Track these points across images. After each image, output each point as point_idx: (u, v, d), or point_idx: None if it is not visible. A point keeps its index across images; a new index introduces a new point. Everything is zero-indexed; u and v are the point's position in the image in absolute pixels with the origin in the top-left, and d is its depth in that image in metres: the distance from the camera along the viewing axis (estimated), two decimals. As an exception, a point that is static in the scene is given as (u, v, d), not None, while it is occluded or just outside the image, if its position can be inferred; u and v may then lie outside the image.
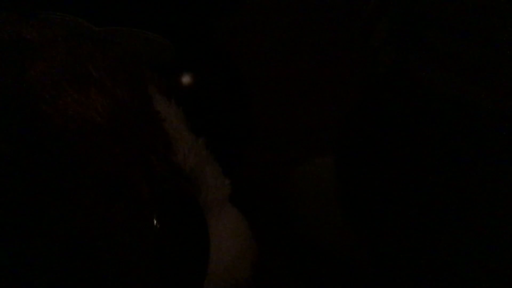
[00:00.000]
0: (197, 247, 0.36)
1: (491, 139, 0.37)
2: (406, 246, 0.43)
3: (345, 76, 0.72)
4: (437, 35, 0.38)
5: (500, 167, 0.37)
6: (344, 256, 0.53)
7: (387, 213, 0.43)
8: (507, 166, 0.37)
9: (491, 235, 0.38)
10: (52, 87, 0.31)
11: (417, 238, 0.42)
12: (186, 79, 0.53)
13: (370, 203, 0.45)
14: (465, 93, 0.37)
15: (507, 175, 0.37)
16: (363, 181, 0.46)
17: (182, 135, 0.37)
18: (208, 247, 0.36)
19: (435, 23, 0.38)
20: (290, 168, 0.60)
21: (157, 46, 0.38)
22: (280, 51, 0.75)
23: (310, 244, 0.55)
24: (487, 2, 0.36)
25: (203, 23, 0.54)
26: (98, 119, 0.31)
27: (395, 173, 0.42)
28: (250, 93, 0.58)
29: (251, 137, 0.59)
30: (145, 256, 0.31)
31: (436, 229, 0.40)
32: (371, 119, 0.44)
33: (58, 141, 0.30)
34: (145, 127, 0.33)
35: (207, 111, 0.52)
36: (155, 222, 0.32)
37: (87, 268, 0.30)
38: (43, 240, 0.29)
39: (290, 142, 0.66)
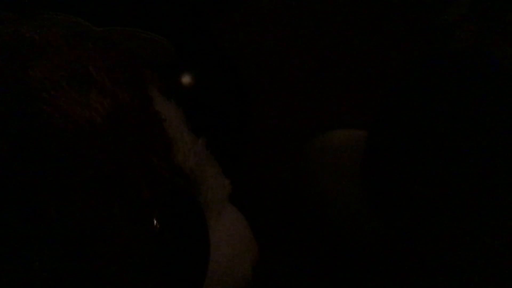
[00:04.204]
0: (197, 247, 0.36)
1: None
2: (433, 238, 0.41)
3: (346, 76, 0.72)
4: None
5: None
6: (358, 243, 0.51)
7: (417, 199, 0.41)
8: None
9: None
10: (52, 87, 0.31)
11: (446, 231, 0.40)
12: (186, 79, 0.53)
13: (401, 186, 0.42)
14: None
15: None
16: (398, 162, 0.42)
17: (182, 135, 0.37)
18: (208, 247, 0.36)
19: None
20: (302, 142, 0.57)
21: (157, 46, 0.38)
22: (280, 51, 0.75)
23: (321, 226, 0.53)
24: None
25: (203, 23, 0.54)
26: (98, 119, 0.31)
27: (442, 161, 0.39)
28: (250, 93, 0.58)
29: (251, 137, 0.59)
30: (145, 256, 0.31)
31: (468, 225, 0.39)
32: (427, 94, 0.41)
33: (58, 141, 0.30)
34: (145, 127, 0.33)
35: (207, 111, 0.52)
36: (155, 222, 0.32)
37: (87, 268, 0.30)
38: (43, 241, 0.29)
39: (290, 142, 0.66)
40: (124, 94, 0.33)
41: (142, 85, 0.35)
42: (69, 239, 0.29)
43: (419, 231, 0.42)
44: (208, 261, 0.36)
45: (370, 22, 0.75)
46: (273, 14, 0.79)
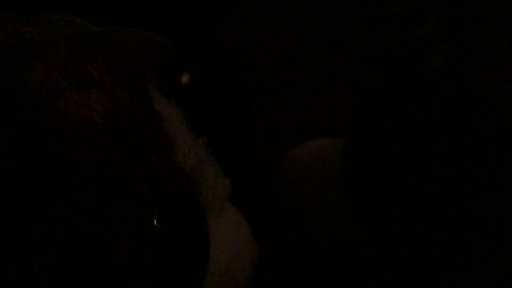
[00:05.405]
0: (197, 247, 0.36)
1: None
2: (414, 243, 0.41)
3: (346, 77, 0.72)
4: (502, 38, 0.34)
5: None
6: (344, 251, 0.51)
7: (397, 207, 0.41)
8: None
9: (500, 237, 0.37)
10: (52, 87, 0.31)
11: (431, 238, 0.40)
12: (186, 79, 0.53)
13: (380, 195, 0.42)
14: None
15: None
16: (376, 170, 0.42)
17: (182, 135, 0.37)
18: (208, 247, 0.36)
19: (500, 22, 0.34)
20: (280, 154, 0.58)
21: (157, 46, 0.38)
22: (280, 51, 0.75)
23: (306, 237, 0.54)
24: None
25: (203, 23, 0.54)
26: (98, 119, 0.31)
27: (422, 173, 0.39)
28: (250, 93, 0.58)
29: (251, 137, 0.59)
30: (145, 256, 0.32)
31: (447, 233, 0.39)
32: (404, 112, 0.41)
33: (58, 141, 0.30)
34: (145, 127, 0.33)
35: (207, 111, 0.53)
36: (155, 222, 0.32)
37: (87, 268, 0.30)
38: (43, 241, 0.29)
39: (290, 142, 0.66)
40: (124, 94, 0.33)
41: (142, 85, 0.35)
42: (69, 239, 0.29)
43: (399, 237, 0.42)
44: (208, 261, 0.36)
45: (370, 23, 0.75)
46: (273, 14, 0.79)
